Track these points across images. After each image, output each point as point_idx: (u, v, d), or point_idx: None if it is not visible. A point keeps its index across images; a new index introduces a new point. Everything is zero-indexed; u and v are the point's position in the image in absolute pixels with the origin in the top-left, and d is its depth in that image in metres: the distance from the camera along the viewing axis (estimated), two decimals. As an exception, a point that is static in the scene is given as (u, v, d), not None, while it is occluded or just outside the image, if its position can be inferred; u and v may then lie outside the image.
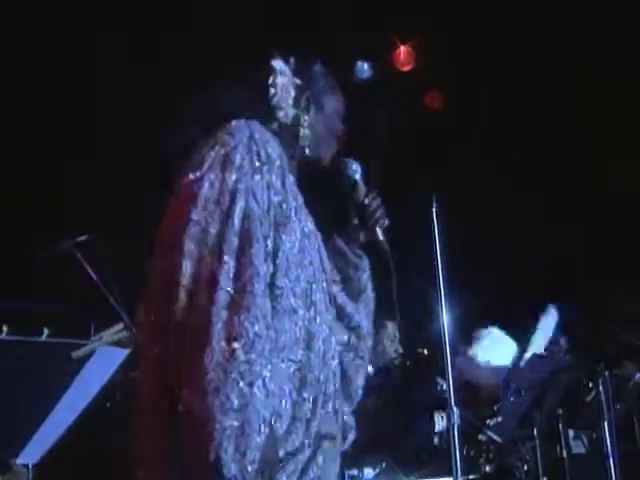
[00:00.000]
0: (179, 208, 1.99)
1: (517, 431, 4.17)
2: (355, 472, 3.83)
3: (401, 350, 4.45)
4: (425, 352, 4.40)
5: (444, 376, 2.90)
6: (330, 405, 2.07)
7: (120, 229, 4.73)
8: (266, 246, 1.96)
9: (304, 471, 1.98)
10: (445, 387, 2.87)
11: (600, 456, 4.19)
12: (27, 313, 3.54)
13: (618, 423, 4.33)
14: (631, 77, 6.00)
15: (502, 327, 4.76)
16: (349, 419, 2.23)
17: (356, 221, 2.33)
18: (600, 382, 4.15)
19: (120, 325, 3.13)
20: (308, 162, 2.24)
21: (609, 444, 4.13)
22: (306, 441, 1.98)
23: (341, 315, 2.27)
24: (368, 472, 3.87)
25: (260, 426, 1.82)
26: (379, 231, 2.31)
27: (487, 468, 3.98)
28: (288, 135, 2.22)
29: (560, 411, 4.17)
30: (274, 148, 2.08)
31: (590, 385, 4.19)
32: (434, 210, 2.95)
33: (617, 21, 5.99)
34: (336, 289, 2.29)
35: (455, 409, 2.80)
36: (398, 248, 2.29)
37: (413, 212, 3.06)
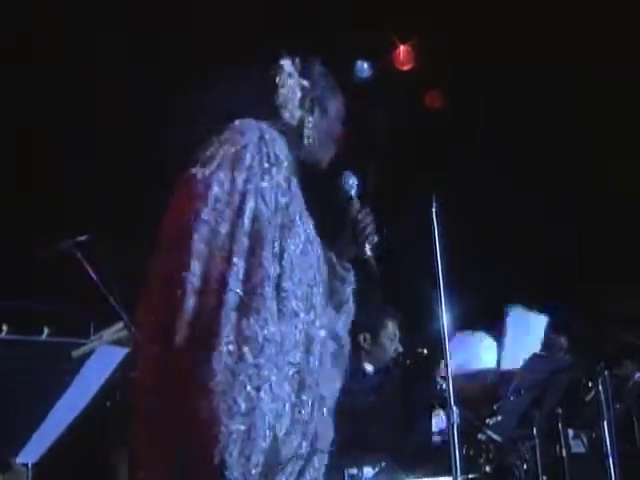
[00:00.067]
0: (184, 205, 1.98)
1: (517, 430, 4.16)
2: (355, 471, 3.82)
3: (401, 349, 4.44)
4: (425, 352, 4.39)
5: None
6: (325, 407, 2.08)
7: (120, 229, 4.72)
8: (274, 248, 1.96)
9: (301, 473, 1.99)
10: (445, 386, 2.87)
11: (600, 455, 4.19)
12: (27, 313, 3.53)
13: (618, 423, 4.33)
14: (631, 77, 6.00)
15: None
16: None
17: (348, 235, 2.33)
18: (600, 382, 4.14)
19: (120, 324, 3.13)
20: (305, 165, 2.23)
21: (609, 443, 4.13)
22: (304, 443, 1.98)
23: None
24: (368, 471, 3.86)
25: (266, 431, 1.82)
26: (368, 247, 2.31)
27: (487, 467, 3.97)
28: (293, 136, 2.21)
29: (560, 410, 4.16)
30: (282, 149, 2.08)
31: (590, 385, 4.19)
32: (434, 210, 2.95)
33: (617, 21, 5.99)
34: None
35: (455, 408, 2.80)
36: (395, 253, 2.30)
37: (413, 212, 3.06)
